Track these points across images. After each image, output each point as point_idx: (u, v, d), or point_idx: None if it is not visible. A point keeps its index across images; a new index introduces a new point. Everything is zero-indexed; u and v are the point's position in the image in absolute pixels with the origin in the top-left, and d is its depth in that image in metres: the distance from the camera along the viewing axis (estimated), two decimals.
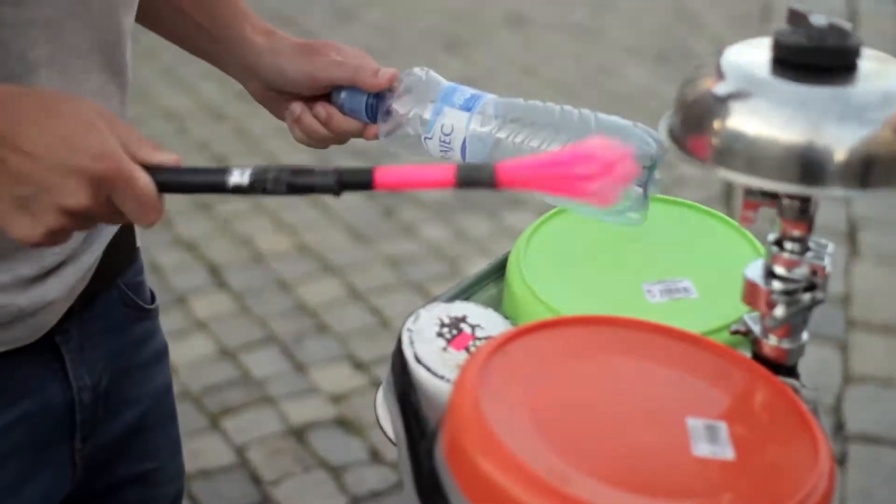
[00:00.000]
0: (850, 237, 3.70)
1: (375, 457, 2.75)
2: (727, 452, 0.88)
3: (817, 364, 3.04)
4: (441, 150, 1.24)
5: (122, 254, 1.31)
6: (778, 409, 0.94)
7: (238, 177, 0.95)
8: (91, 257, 1.21)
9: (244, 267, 3.46)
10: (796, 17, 0.90)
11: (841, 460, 2.77)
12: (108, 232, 1.25)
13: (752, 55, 0.94)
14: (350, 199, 3.85)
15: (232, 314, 3.23)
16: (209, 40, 1.31)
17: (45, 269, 1.15)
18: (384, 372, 3.08)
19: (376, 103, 1.26)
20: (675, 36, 5.33)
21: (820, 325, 3.19)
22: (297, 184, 0.96)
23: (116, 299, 1.31)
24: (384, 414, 1.07)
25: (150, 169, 0.96)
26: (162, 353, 1.40)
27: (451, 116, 1.23)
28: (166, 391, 1.41)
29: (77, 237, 1.16)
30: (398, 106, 1.25)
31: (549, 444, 0.85)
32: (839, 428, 2.88)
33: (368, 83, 1.25)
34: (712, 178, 3.63)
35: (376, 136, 1.29)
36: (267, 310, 3.27)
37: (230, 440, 2.78)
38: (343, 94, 1.27)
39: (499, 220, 3.79)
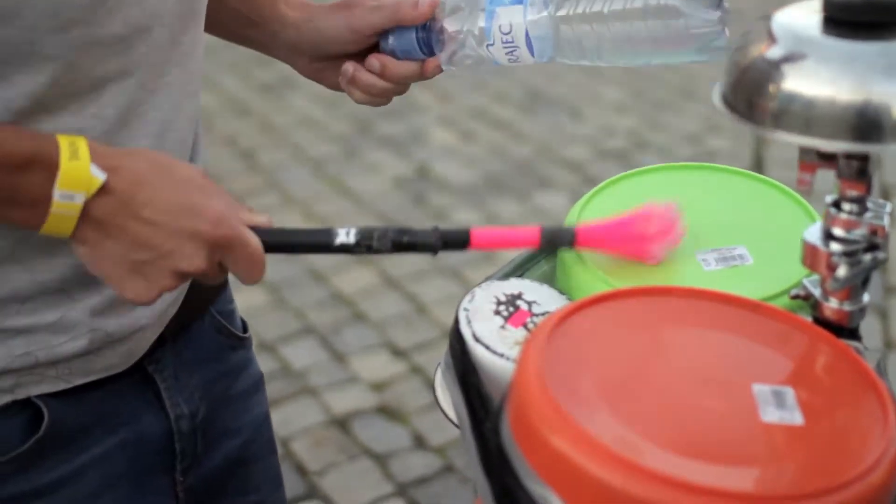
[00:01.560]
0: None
1: (420, 443, 2.75)
2: (796, 417, 0.87)
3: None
4: (506, 52, 1.21)
5: None
6: (843, 372, 0.93)
7: (344, 237, 1.01)
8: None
9: (278, 259, 3.44)
10: None
11: None
12: None
13: (801, 17, 0.93)
14: (380, 186, 3.86)
15: (269, 307, 3.24)
16: (248, 25, 1.30)
17: None
18: (423, 358, 3.09)
19: (427, 35, 1.23)
20: None
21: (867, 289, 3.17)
22: (401, 242, 1.03)
23: (209, 327, 1.29)
24: (444, 396, 1.07)
25: (255, 230, 1.00)
26: (259, 383, 1.37)
27: (507, 14, 1.20)
28: (265, 421, 1.38)
29: None
30: (449, 27, 1.22)
31: (617, 415, 0.85)
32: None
33: (411, 17, 1.22)
34: (743, 150, 3.60)
35: (437, 69, 1.25)
36: (303, 301, 3.27)
37: (274, 433, 2.78)
38: (391, 38, 1.24)
39: (529, 202, 3.78)
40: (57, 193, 0.95)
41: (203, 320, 1.28)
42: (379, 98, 1.27)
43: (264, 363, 2.99)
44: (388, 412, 2.85)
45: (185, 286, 1.20)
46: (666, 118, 4.30)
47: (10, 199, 0.97)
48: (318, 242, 1.03)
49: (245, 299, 3.31)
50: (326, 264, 3.43)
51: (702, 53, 1.16)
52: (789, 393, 0.89)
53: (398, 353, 3.05)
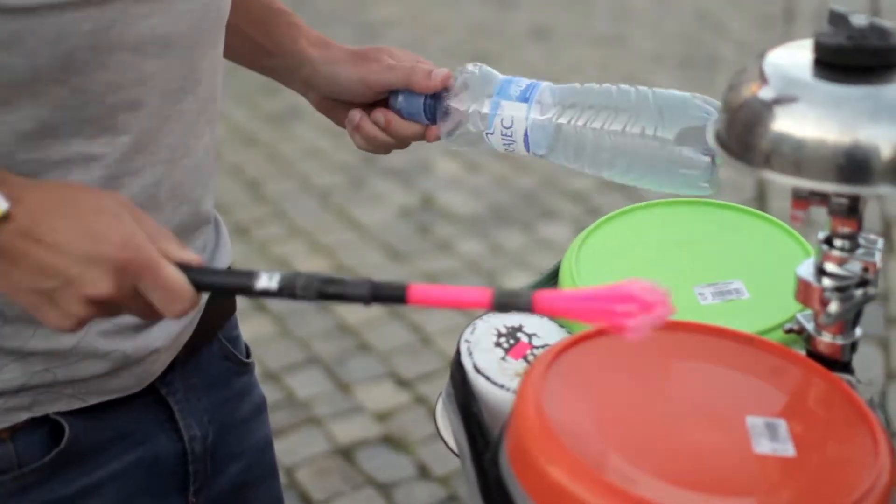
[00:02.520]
0: (886, 235, 3.69)
1: (423, 473, 2.77)
2: (788, 449, 0.89)
3: (859, 361, 3.03)
4: (504, 144, 1.26)
5: (223, 305, 1.31)
6: (835, 404, 0.96)
7: (266, 282, 0.94)
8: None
9: None
10: (836, 18, 0.92)
11: None
12: None
13: (793, 58, 0.95)
14: (385, 217, 3.88)
15: (274, 336, 3.26)
16: (267, 56, 1.33)
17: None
18: (428, 388, 3.10)
19: (434, 104, 1.28)
20: (699, 41, 5.34)
21: (861, 322, 3.18)
22: (327, 292, 0.93)
23: (217, 352, 1.31)
24: (445, 425, 1.09)
25: (180, 266, 0.95)
26: (261, 407, 1.39)
27: (510, 109, 1.25)
28: (267, 446, 1.40)
29: None
30: (456, 104, 1.27)
31: (614, 447, 0.87)
32: (886, 425, 2.86)
33: (423, 85, 1.27)
34: (746, 181, 3.63)
35: (437, 137, 1.30)
36: (308, 331, 3.29)
37: (278, 462, 2.79)
38: (400, 98, 1.29)
39: (533, 233, 3.81)
40: None
41: (211, 346, 1.30)
42: (379, 148, 1.32)
43: (269, 392, 3.01)
44: (393, 442, 2.87)
45: (198, 312, 1.22)
46: None
47: None
48: (240, 286, 0.96)
49: (251, 328, 3.34)
50: None
51: (687, 189, 1.21)
52: (782, 425, 0.91)
53: (402, 383, 3.07)
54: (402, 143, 1.31)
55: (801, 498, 0.86)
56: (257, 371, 3.17)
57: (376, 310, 3.37)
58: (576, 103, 1.23)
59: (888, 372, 3.08)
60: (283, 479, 2.74)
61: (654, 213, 1.26)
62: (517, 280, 3.50)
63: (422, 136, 1.30)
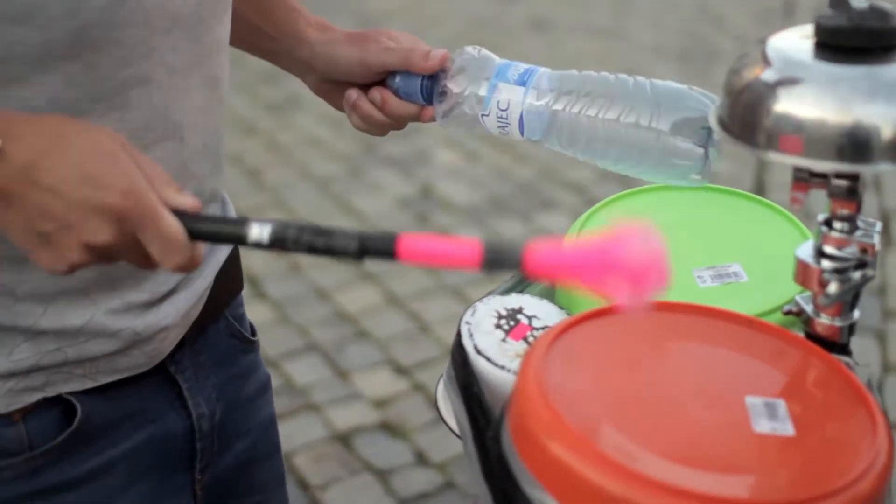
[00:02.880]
0: (884, 228, 3.71)
1: (421, 459, 2.78)
2: (787, 429, 0.90)
3: (855, 353, 3.04)
4: (498, 126, 1.26)
5: (230, 283, 1.32)
6: (834, 385, 0.96)
7: (258, 232, 0.91)
8: (203, 283, 1.22)
9: (282, 278, 3.49)
10: (837, 2, 0.93)
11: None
12: (218, 259, 1.26)
13: (794, 42, 0.96)
14: (384, 206, 3.89)
15: (272, 323, 3.27)
16: (267, 40, 1.34)
17: (159, 295, 1.16)
18: (426, 376, 3.12)
19: (431, 85, 1.29)
20: (699, 34, 5.35)
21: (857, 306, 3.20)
22: (316, 245, 0.92)
23: (223, 330, 1.32)
24: (446, 407, 1.10)
25: (178, 215, 0.93)
26: (266, 386, 1.40)
27: (507, 92, 1.25)
28: (271, 423, 1.41)
29: None
30: (453, 85, 1.28)
31: (614, 424, 0.88)
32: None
33: (420, 65, 1.28)
34: (745, 174, 3.64)
35: (433, 118, 1.31)
36: (307, 318, 3.30)
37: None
38: (398, 79, 1.29)
39: (532, 222, 3.82)
40: None
41: (218, 324, 1.31)
42: (375, 128, 1.33)
43: None
44: (391, 428, 2.88)
45: (206, 288, 1.23)
46: None
47: None
48: (233, 235, 0.92)
49: (250, 315, 3.31)
50: (330, 282, 3.46)
51: (679, 179, 1.22)
52: (781, 405, 0.92)
53: (400, 370, 3.08)
54: (398, 123, 1.32)
55: (800, 476, 0.87)
56: None
57: (374, 298, 3.38)
58: (572, 90, 1.23)
59: (884, 364, 3.09)
60: None
61: (654, 196, 1.26)
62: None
63: (417, 117, 1.31)
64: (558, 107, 1.23)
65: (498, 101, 1.26)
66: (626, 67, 5.03)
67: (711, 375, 0.96)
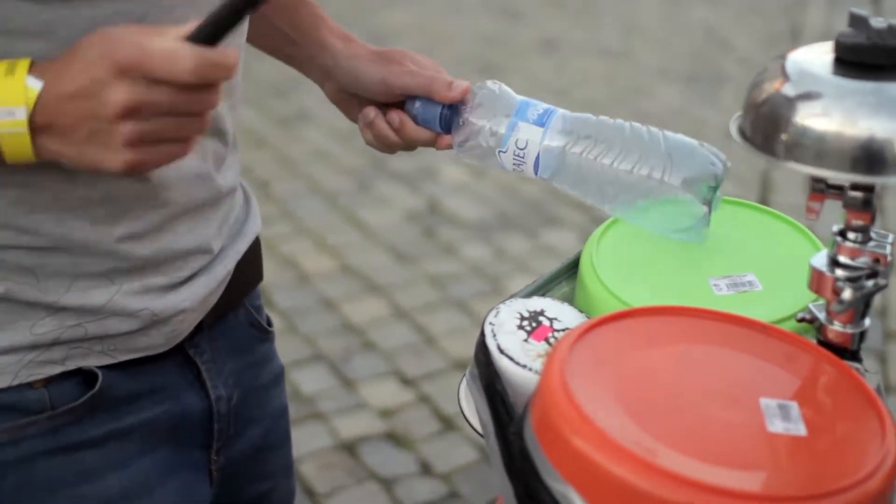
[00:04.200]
0: None
1: (426, 469, 2.81)
2: (800, 429, 0.93)
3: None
4: (514, 163, 1.30)
5: (249, 272, 1.36)
6: (845, 390, 1.00)
7: None
8: (223, 270, 1.26)
9: (290, 288, 3.53)
10: (857, 20, 0.97)
11: None
12: (238, 249, 1.29)
13: (813, 58, 1.00)
14: (391, 220, 3.93)
15: (280, 333, 3.28)
16: (290, 44, 1.38)
17: (178, 280, 1.20)
18: (431, 388, 3.16)
19: (450, 115, 1.32)
20: (705, 57, 5.40)
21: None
22: None
23: (242, 319, 1.36)
24: (468, 405, 1.13)
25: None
26: (280, 376, 1.44)
27: (526, 131, 1.28)
28: (283, 413, 1.45)
29: (202, 259, 1.22)
30: (473, 118, 1.31)
31: (635, 421, 0.91)
32: None
33: (442, 94, 1.30)
34: (748, 194, 3.69)
35: (448, 146, 1.33)
36: (314, 329, 3.34)
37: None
38: (417, 104, 1.32)
39: (538, 239, 3.86)
40: None
41: (237, 312, 1.35)
42: (387, 148, 1.35)
43: None
44: (396, 438, 2.91)
45: (226, 276, 1.27)
46: None
47: None
48: (227, 15, 0.96)
49: None
50: (338, 294, 3.50)
51: (677, 235, 1.24)
52: (794, 407, 0.96)
53: (406, 381, 3.11)
54: (410, 146, 1.35)
55: (811, 473, 0.90)
56: None
57: (381, 309, 3.42)
58: (590, 135, 1.26)
59: (886, 385, 3.13)
60: None
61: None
62: (520, 284, 3.55)
63: (432, 144, 1.33)
64: (575, 150, 1.26)
65: (517, 140, 1.28)
66: (633, 87, 5.09)
67: (728, 378, 1.00)
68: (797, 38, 5.45)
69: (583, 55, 5.40)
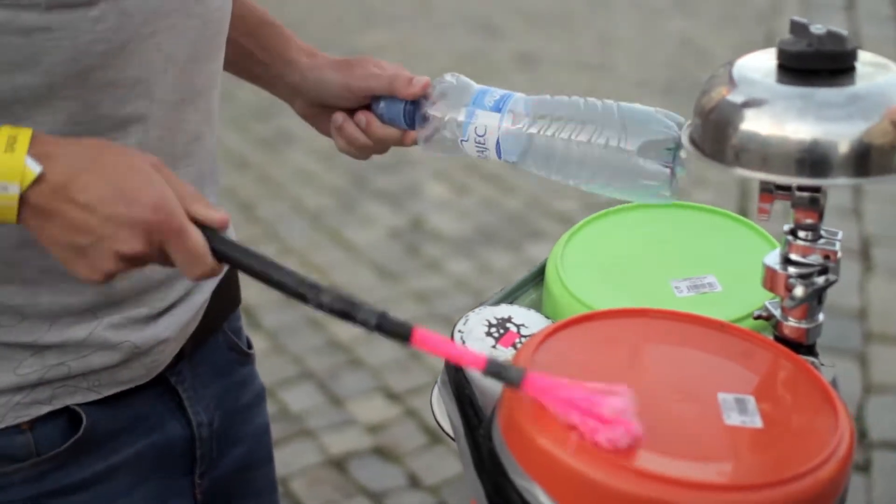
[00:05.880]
0: (864, 254, 3.79)
1: (414, 482, 2.84)
2: (756, 422, 0.97)
3: (838, 376, 3.12)
4: (477, 151, 1.33)
5: (227, 297, 1.39)
6: (801, 383, 1.04)
7: (291, 282, 1.02)
8: (201, 298, 1.30)
9: (276, 308, 3.56)
10: (797, 27, 1.01)
11: (865, 467, 2.85)
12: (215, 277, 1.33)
13: (758, 64, 1.04)
14: (375, 238, 3.96)
15: (267, 352, 3.33)
16: (258, 65, 1.42)
17: (158, 310, 1.23)
18: (418, 402, 3.18)
19: (413, 110, 1.36)
20: (683, 67, 5.45)
21: (839, 338, 3.28)
22: (341, 310, 1.02)
23: (222, 343, 1.39)
24: (440, 411, 1.16)
25: (206, 230, 1.01)
26: (260, 396, 1.48)
27: (483, 118, 1.32)
28: (265, 431, 1.49)
29: (184, 285, 1.26)
30: (433, 111, 1.35)
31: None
32: (862, 436, 2.95)
33: (403, 91, 1.34)
34: (727, 202, 3.73)
35: (414, 142, 1.37)
36: (301, 347, 3.37)
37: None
38: (382, 104, 1.36)
39: (520, 253, 3.89)
40: None
41: (217, 336, 1.38)
42: (359, 151, 1.39)
43: None
44: (384, 453, 2.95)
45: (203, 303, 1.30)
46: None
47: None
48: (254, 270, 1.03)
49: None
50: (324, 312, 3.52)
51: (648, 198, 1.28)
52: (751, 401, 0.99)
53: (393, 396, 3.15)
54: (381, 146, 1.39)
55: (767, 463, 0.94)
56: None
57: None
58: (545, 114, 1.30)
59: (866, 386, 3.17)
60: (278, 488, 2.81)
61: (634, 214, 1.34)
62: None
63: (399, 141, 1.37)
64: (533, 131, 1.29)
65: (475, 127, 1.32)
66: (610, 98, 5.12)
67: (686, 374, 1.04)
68: (771, 45, 5.49)
69: (561, 69, 5.45)
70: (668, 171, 1.24)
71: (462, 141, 1.34)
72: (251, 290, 3.63)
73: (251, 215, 4.13)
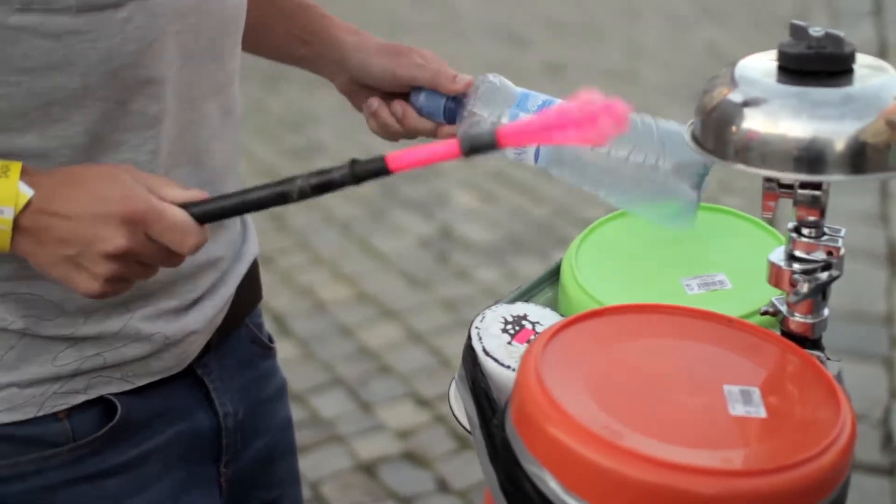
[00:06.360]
0: (891, 259, 3.80)
1: (442, 487, 2.88)
2: (760, 412, 1.00)
3: (865, 381, 3.14)
4: (516, 154, 1.37)
5: (250, 292, 1.45)
6: (805, 376, 1.07)
7: (267, 191, 1.07)
8: (227, 292, 1.35)
9: (307, 316, 3.61)
10: (797, 30, 1.04)
11: (891, 471, 2.87)
12: (239, 272, 1.38)
13: (759, 65, 1.08)
14: (405, 247, 4.01)
15: (299, 360, 3.38)
16: (301, 45, 1.47)
17: (186, 303, 1.29)
18: (447, 408, 3.21)
19: (454, 107, 1.40)
20: (710, 76, 5.46)
21: (865, 343, 3.29)
22: (319, 183, 1.06)
23: (245, 337, 1.45)
24: (458, 405, 1.20)
25: (184, 206, 1.07)
26: (282, 390, 1.53)
27: None
28: (288, 425, 1.54)
29: (211, 276, 1.31)
30: (478, 110, 1.38)
31: (604, 408, 0.99)
32: (888, 441, 2.97)
33: (447, 86, 1.39)
34: (755, 208, 3.74)
35: (449, 136, 1.40)
36: (332, 355, 3.42)
37: (304, 477, 2.91)
38: (422, 96, 1.41)
39: (548, 261, 3.92)
40: None
41: (240, 330, 1.43)
42: (389, 136, 1.45)
43: (295, 412, 3.12)
44: (413, 458, 2.99)
45: (229, 298, 1.35)
46: None
47: None
48: (243, 201, 1.08)
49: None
50: (354, 320, 3.58)
51: (667, 221, 1.31)
52: (755, 392, 1.03)
53: (422, 402, 3.19)
54: (411, 135, 1.44)
55: (769, 451, 0.97)
56: None
57: (397, 334, 3.50)
58: None
59: (892, 391, 3.18)
60: (308, 493, 2.87)
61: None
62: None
63: (433, 133, 1.42)
64: None
65: None
66: (639, 108, 5.13)
67: (693, 368, 1.07)
68: None
69: (588, 78, 5.48)
70: (696, 193, 1.28)
71: None
72: (282, 300, 3.70)
73: (282, 225, 4.19)
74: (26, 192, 1.06)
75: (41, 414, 1.23)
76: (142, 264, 1.10)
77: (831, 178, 1.01)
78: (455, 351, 3.38)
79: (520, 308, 1.23)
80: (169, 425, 1.32)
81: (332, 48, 1.45)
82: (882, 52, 5.40)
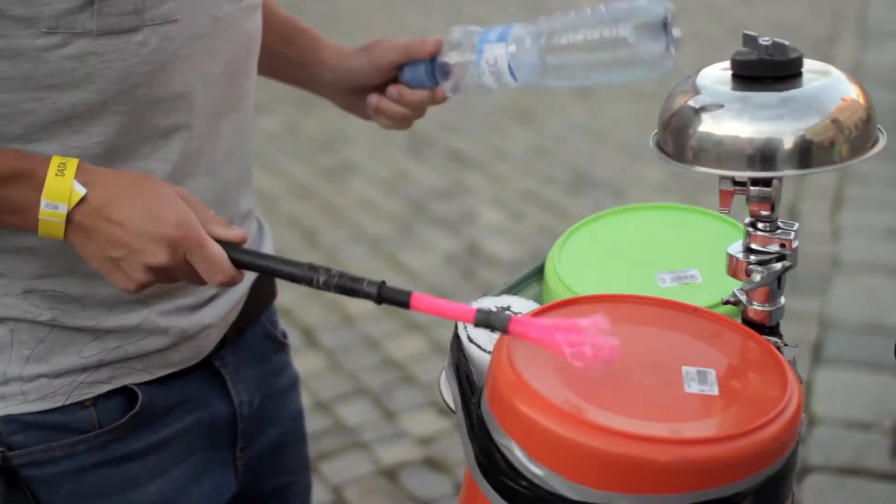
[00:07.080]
0: None
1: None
2: (714, 390, 1.09)
3: (876, 391, 3.19)
4: (494, 79, 1.46)
5: (265, 292, 1.56)
6: (759, 359, 1.15)
7: (297, 270, 1.19)
8: (239, 291, 1.46)
9: (335, 328, 3.71)
10: (749, 40, 1.14)
11: None
12: (252, 274, 1.47)
13: (716, 74, 1.18)
14: (432, 263, 4.10)
15: (326, 370, 3.49)
16: (298, 70, 1.59)
17: (202, 300, 1.40)
18: None
19: (433, 67, 1.50)
20: None
21: (879, 355, 3.35)
22: (344, 286, 1.19)
23: (259, 332, 1.56)
24: (446, 389, 1.30)
25: (224, 244, 1.20)
26: (295, 383, 1.64)
27: (491, 50, 1.44)
28: (299, 416, 1.65)
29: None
30: (449, 60, 1.48)
31: (567, 386, 1.07)
32: None
33: (419, 52, 1.50)
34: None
35: (445, 96, 1.51)
36: (357, 365, 3.52)
37: (328, 481, 3.02)
38: (405, 71, 1.51)
39: None
40: (42, 203, 1.18)
41: (255, 326, 1.54)
42: (400, 122, 1.55)
43: (320, 420, 3.27)
44: (434, 464, 3.08)
45: (243, 295, 1.46)
46: (705, 197, 4.52)
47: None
48: (270, 270, 1.21)
49: (304, 363, 3.57)
50: (380, 332, 3.67)
51: (650, 73, 1.39)
52: (711, 373, 1.11)
53: (443, 411, 3.27)
54: (418, 110, 1.53)
55: (718, 422, 1.06)
56: (308, 401, 3.40)
57: (420, 346, 3.59)
58: (543, 32, 1.41)
59: None
60: (331, 496, 2.96)
61: (631, 215, 1.47)
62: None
63: (433, 99, 1.51)
64: (534, 47, 1.41)
65: (487, 59, 1.45)
66: None
67: (655, 351, 1.15)
68: (835, 45, 5.57)
69: (617, 99, 5.57)
70: (662, 45, 1.35)
71: (481, 77, 1.46)
72: (311, 313, 3.81)
73: (314, 241, 4.30)
74: (80, 190, 1.18)
75: (69, 402, 1.34)
76: (172, 278, 1.21)
77: (783, 174, 1.10)
78: None
79: (505, 300, 1.33)
80: (188, 413, 1.43)
81: (322, 71, 1.57)
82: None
